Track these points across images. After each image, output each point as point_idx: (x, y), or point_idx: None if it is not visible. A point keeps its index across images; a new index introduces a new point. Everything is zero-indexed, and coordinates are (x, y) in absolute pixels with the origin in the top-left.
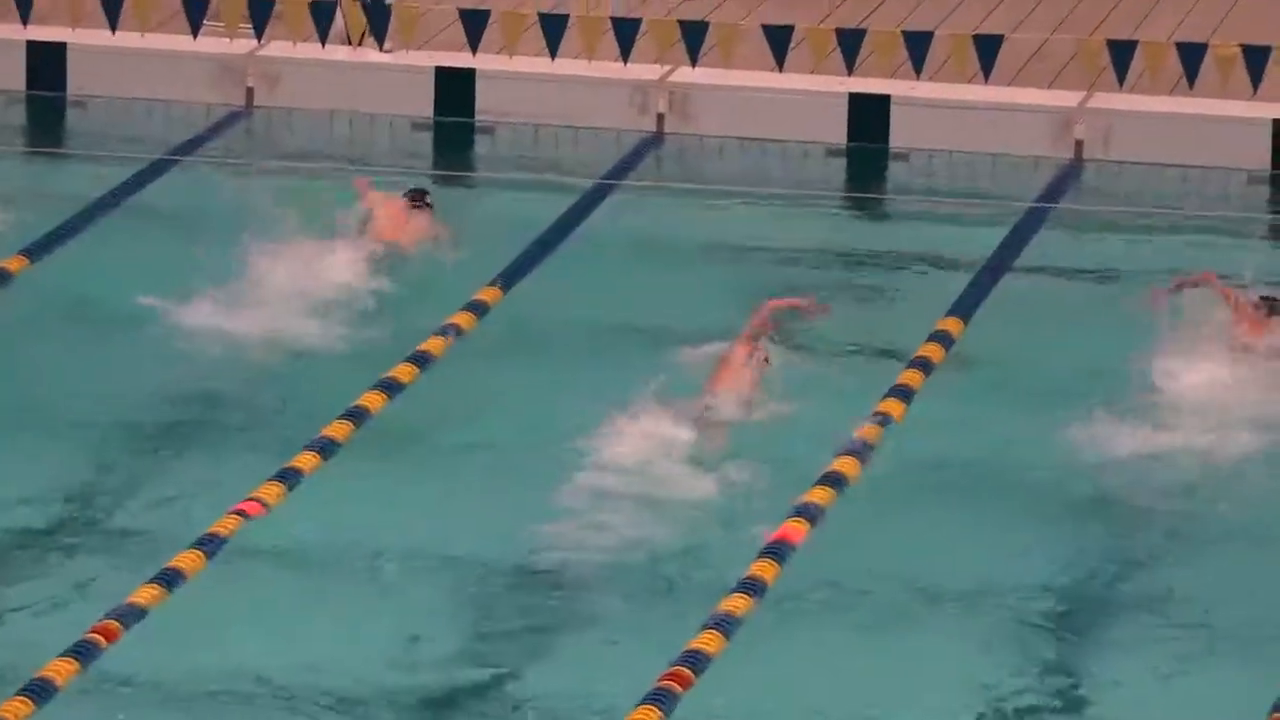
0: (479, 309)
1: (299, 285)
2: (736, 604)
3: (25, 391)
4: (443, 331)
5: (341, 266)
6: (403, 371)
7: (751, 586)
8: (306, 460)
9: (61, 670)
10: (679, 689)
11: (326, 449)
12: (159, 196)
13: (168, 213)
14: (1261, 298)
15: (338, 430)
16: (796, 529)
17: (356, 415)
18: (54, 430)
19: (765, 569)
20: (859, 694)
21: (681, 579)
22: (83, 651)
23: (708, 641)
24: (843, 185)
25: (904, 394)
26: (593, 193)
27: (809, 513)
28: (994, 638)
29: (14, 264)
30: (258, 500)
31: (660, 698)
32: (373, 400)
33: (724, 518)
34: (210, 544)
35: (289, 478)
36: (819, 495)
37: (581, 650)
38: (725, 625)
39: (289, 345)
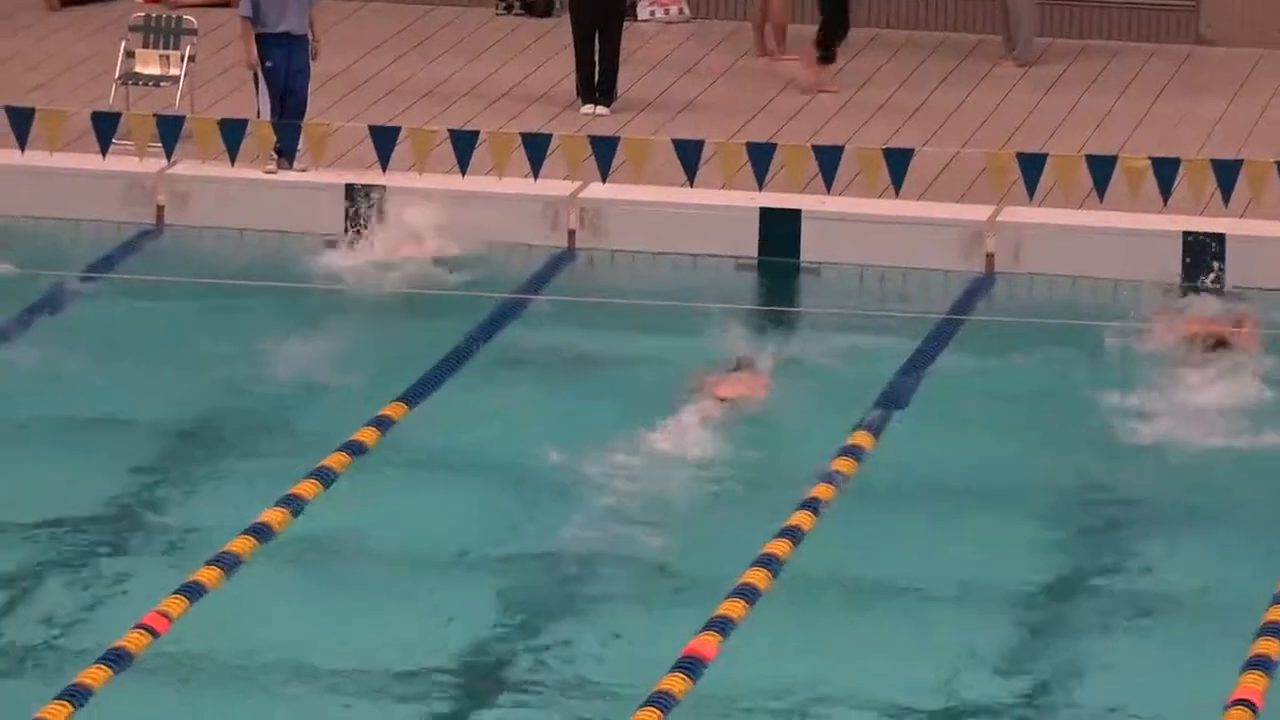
0: (384, 425)
1: (201, 402)
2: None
3: None
4: (346, 448)
5: (243, 385)
6: (305, 488)
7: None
8: (209, 574)
9: None
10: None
11: (229, 563)
12: (69, 314)
13: (77, 330)
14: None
15: (241, 545)
16: (707, 642)
17: (260, 531)
18: None
19: (676, 682)
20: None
21: None
22: None
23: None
24: (754, 299)
25: (813, 507)
26: (504, 308)
27: (720, 626)
28: None
29: None
30: (162, 614)
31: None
32: (275, 516)
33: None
34: (117, 659)
35: (193, 591)
36: (731, 608)
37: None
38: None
39: (185, 464)
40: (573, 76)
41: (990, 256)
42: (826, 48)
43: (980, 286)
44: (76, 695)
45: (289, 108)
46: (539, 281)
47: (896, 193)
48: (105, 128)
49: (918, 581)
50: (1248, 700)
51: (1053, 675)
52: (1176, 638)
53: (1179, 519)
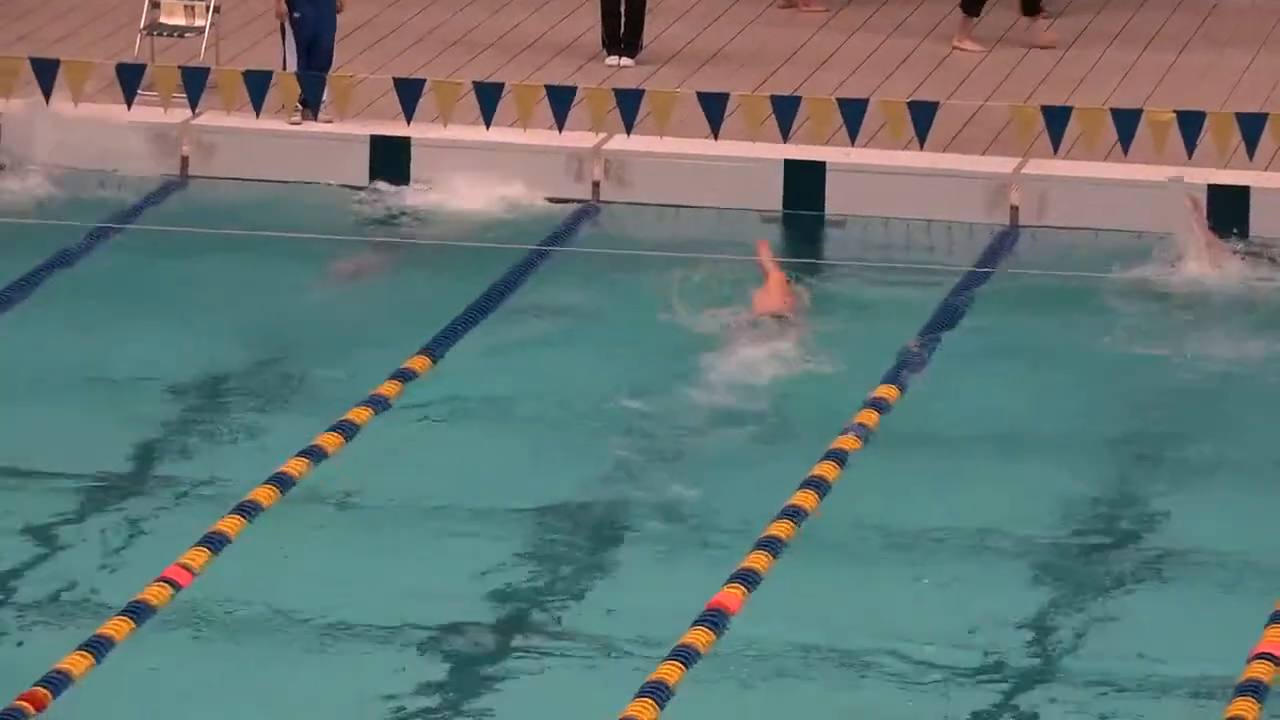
0: (407, 377)
1: (224, 353)
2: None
3: None
4: (370, 401)
5: (266, 336)
6: (328, 440)
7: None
8: (230, 525)
9: None
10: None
11: (251, 514)
12: (93, 264)
13: (101, 281)
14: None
15: (263, 495)
16: (732, 595)
17: (282, 482)
18: None
19: (698, 636)
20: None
21: None
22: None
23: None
24: (779, 252)
25: (839, 458)
26: (528, 260)
27: (747, 578)
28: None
29: None
30: (184, 566)
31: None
32: (297, 467)
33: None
34: (139, 611)
35: (215, 542)
36: (757, 560)
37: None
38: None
39: (207, 415)
40: (598, 28)
41: (1015, 209)
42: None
43: (1005, 239)
44: (98, 647)
45: (315, 59)
46: (563, 233)
47: (921, 145)
48: (130, 79)
49: (940, 532)
50: (1271, 654)
51: (1075, 625)
52: (1202, 590)
53: (1206, 470)
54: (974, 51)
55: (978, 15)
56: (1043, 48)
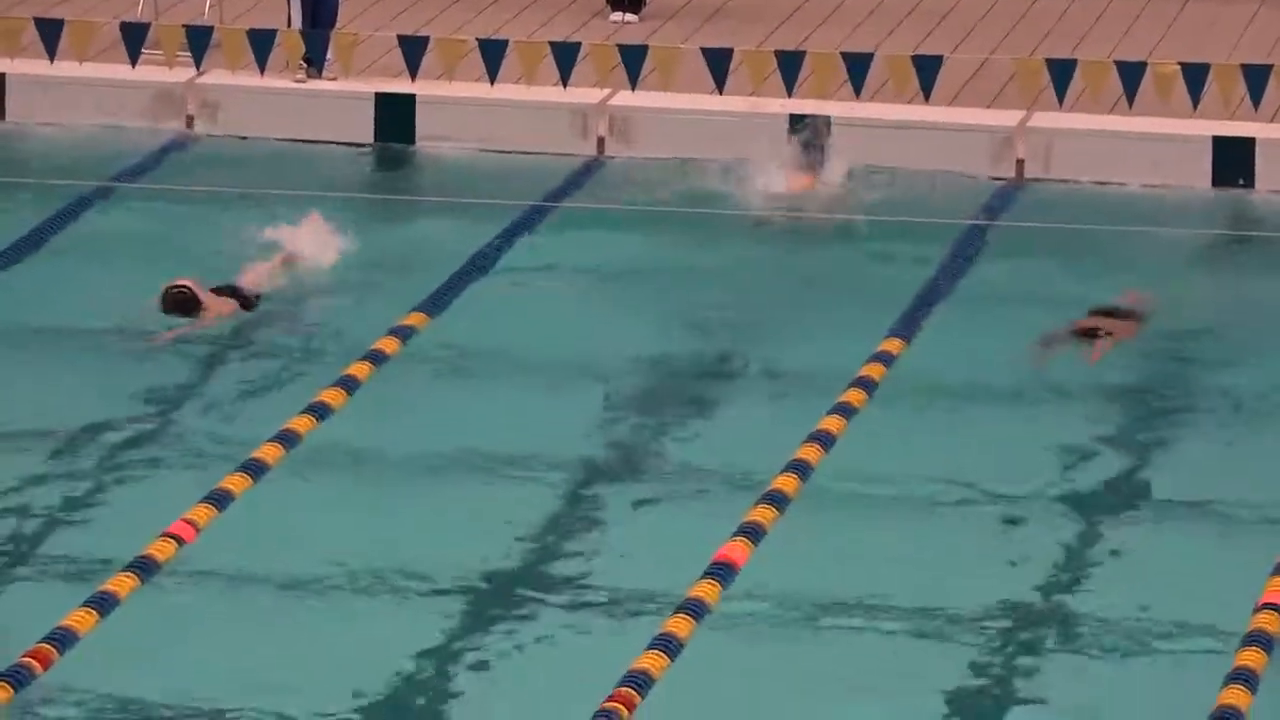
0: (405, 334)
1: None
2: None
3: None
4: (368, 355)
5: (271, 291)
6: (332, 395)
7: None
8: (235, 482)
9: None
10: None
11: (256, 470)
12: (99, 224)
13: (107, 239)
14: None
15: (268, 453)
16: (737, 548)
17: (287, 438)
18: None
19: (706, 588)
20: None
21: None
22: (15, 677)
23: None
24: (783, 206)
25: (845, 412)
26: (533, 216)
27: (751, 531)
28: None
29: None
30: (189, 522)
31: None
32: (302, 423)
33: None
34: (143, 567)
35: (219, 499)
36: (762, 514)
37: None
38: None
39: (210, 372)
40: None
41: (1020, 162)
42: None
43: (1010, 192)
44: (103, 603)
45: (320, 16)
46: (568, 188)
47: (926, 99)
48: (134, 37)
49: (944, 485)
50: (1277, 605)
51: (1079, 577)
52: (1208, 541)
53: (1213, 421)
54: None
55: None
56: None
